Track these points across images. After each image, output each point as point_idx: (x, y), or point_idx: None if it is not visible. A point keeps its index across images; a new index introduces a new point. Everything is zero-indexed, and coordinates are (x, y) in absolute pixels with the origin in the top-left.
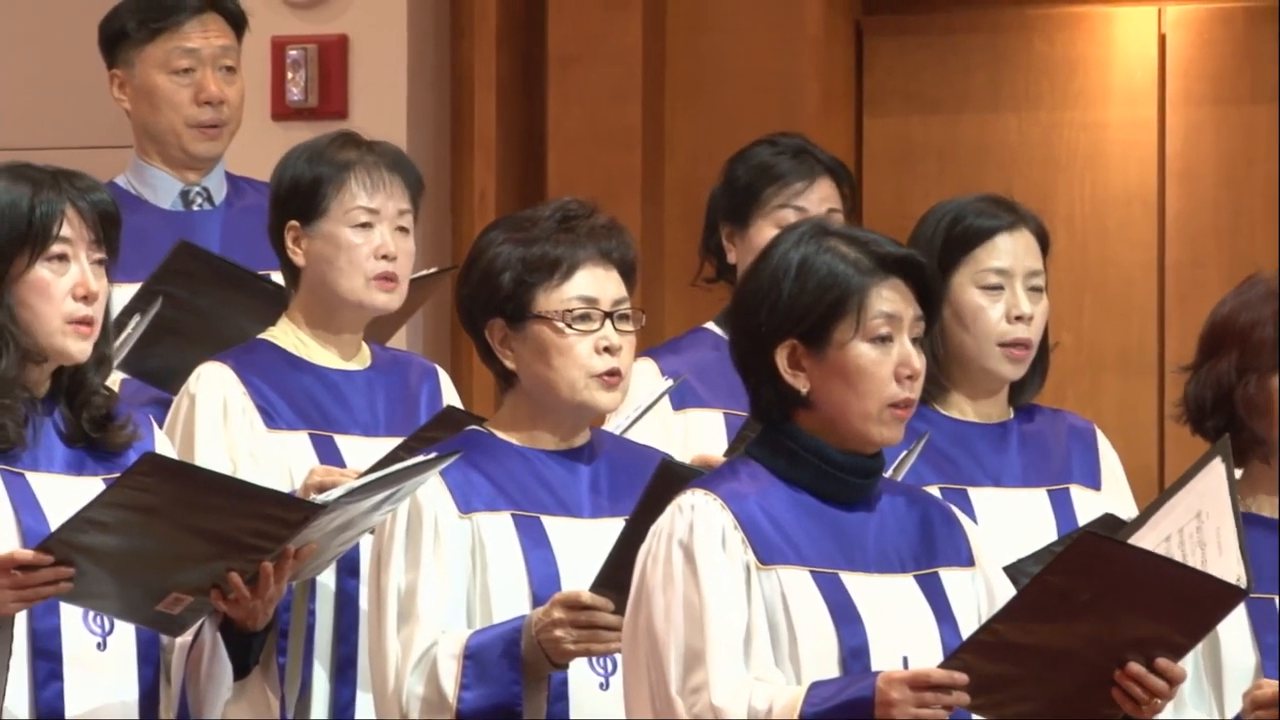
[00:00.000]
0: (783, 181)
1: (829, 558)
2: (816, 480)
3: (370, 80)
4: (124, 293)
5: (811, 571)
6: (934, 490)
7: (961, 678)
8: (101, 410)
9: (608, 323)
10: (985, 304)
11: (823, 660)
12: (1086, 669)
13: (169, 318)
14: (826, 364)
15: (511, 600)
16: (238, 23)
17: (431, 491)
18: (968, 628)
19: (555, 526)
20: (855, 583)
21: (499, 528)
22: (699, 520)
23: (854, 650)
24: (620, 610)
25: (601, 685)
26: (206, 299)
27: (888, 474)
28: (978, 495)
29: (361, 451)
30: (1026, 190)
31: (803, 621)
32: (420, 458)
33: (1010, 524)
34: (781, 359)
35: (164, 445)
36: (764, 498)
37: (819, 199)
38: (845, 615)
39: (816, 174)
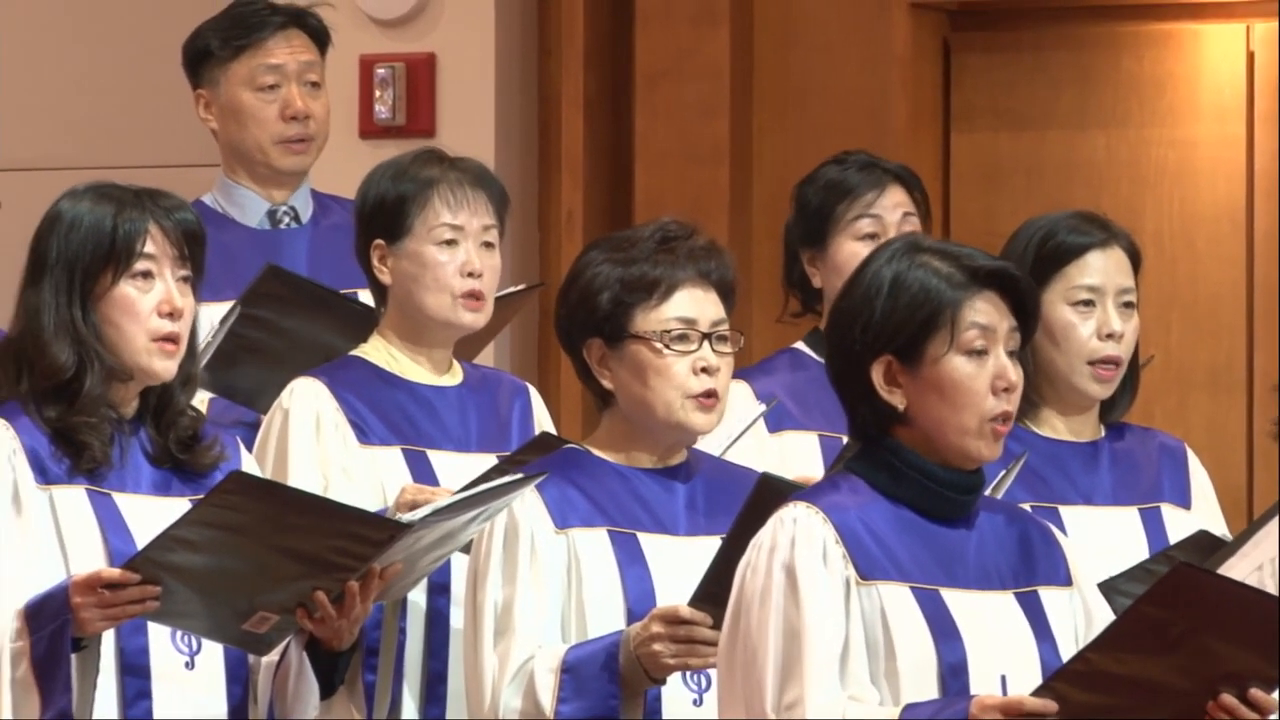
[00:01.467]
0: (853, 194)
1: (929, 574)
2: (918, 496)
3: (458, 98)
4: (211, 311)
5: (912, 587)
6: (1025, 509)
7: (1054, 706)
8: (188, 431)
9: (705, 344)
10: (1076, 321)
11: (921, 677)
12: (1179, 700)
13: (256, 338)
14: (922, 379)
15: (607, 616)
16: (321, 38)
17: (528, 508)
18: (1065, 647)
19: (651, 544)
20: (955, 599)
21: (595, 544)
22: (800, 534)
23: (953, 667)
24: (719, 625)
25: (695, 701)
26: (295, 320)
27: (986, 493)
28: (1069, 514)
29: (454, 467)
30: (1114, 207)
31: (902, 637)
32: (507, 478)
33: (1101, 542)
34: (877, 376)
35: (250, 466)
36: (865, 512)
37: (892, 205)
38: (945, 632)
39: (885, 182)
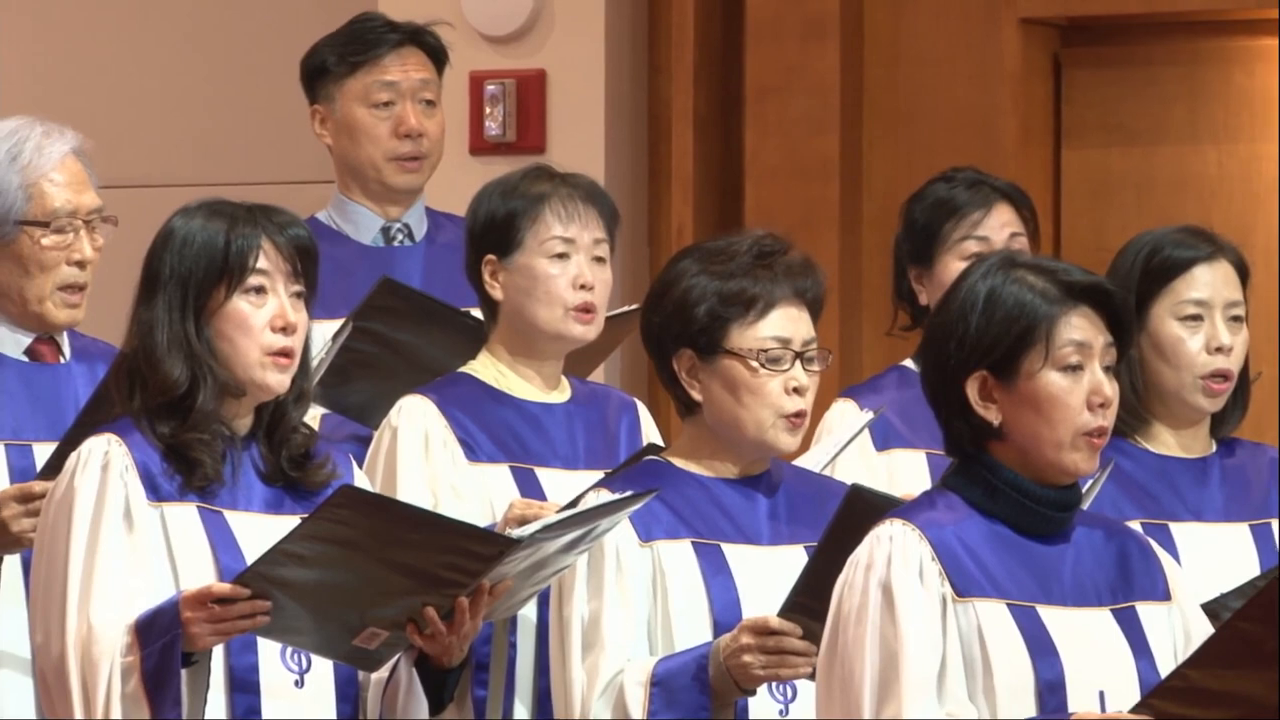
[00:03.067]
0: (960, 213)
1: (1026, 591)
2: (1014, 513)
3: (568, 115)
4: (324, 328)
5: (1008, 604)
6: (1135, 525)
7: None
8: (301, 448)
9: (797, 363)
10: (1184, 335)
11: (1018, 694)
12: (1276, 716)
13: (369, 353)
14: (1017, 394)
15: (693, 627)
16: (438, 56)
17: None
18: (1164, 663)
19: (735, 554)
20: (1052, 616)
21: (680, 556)
22: (897, 551)
23: (1050, 684)
24: (808, 636)
25: (781, 711)
26: (407, 334)
27: None
28: (1179, 530)
29: (562, 484)
30: (1226, 222)
31: (999, 655)
32: (615, 495)
33: (1212, 559)
34: (972, 391)
35: (362, 483)
36: (961, 529)
37: (999, 224)
38: (1041, 649)
39: (993, 201)
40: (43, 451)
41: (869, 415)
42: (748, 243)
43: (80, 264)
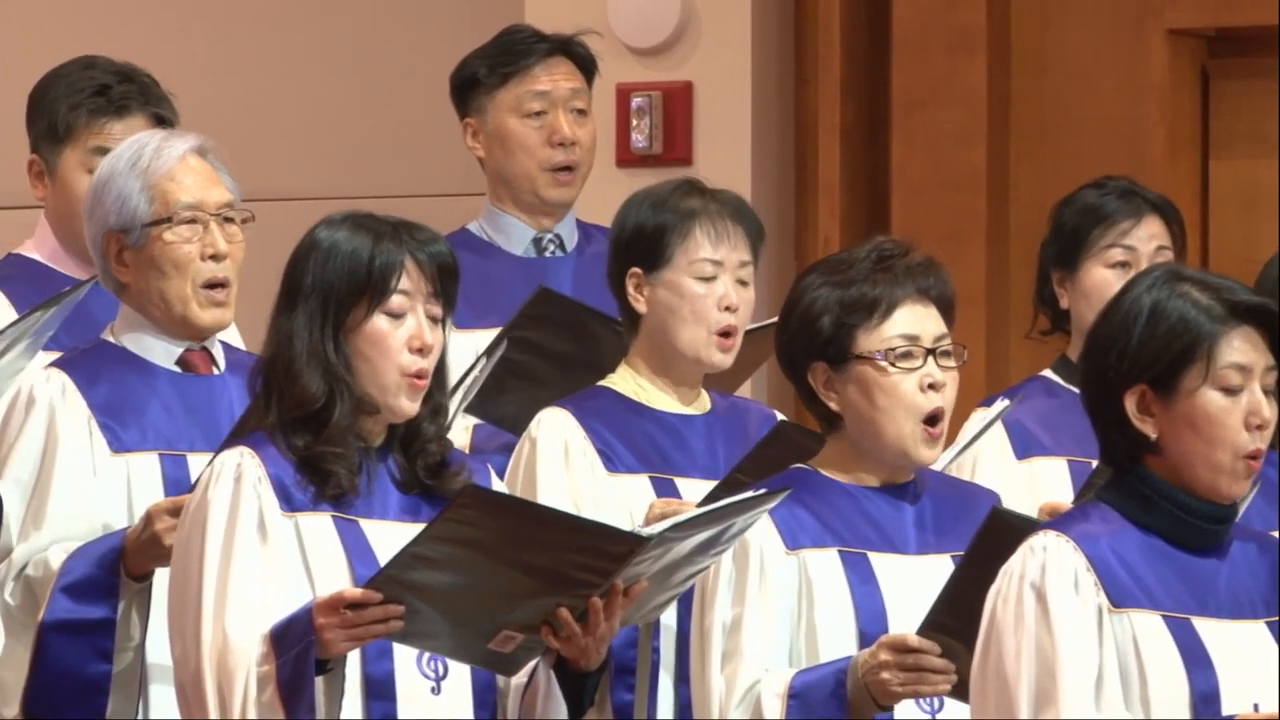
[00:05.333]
0: (1109, 221)
1: (1181, 602)
2: (1170, 525)
3: (714, 127)
4: (475, 339)
5: (1163, 616)
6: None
7: None
8: (436, 456)
9: (930, 360)
10: None
11: (1173, 705)
12: None
13: (523, 362)
14: (1175, 411)
15: (838, 637)
16: (587, 66)
17: (758, 528)
18: None
19: (881, 563)
20: (1207, 628)
21: (826, 564)
22: (1051, 562)
23: (1205, 696)
24: (946, 654)
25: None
26: (561, 344)
27: None
28: None
29: (702, 494)
30: None
31: (1154, 666)
32: (749, 494)
33: None
34: (1131, 404)
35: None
36: (1116, 540)
37: (1147, 236)
38: (1197, 660)
39: (1143, 212)
40: (197, 462)
41: (1002, 404)
42: (866, 249)
43: (215, 258)
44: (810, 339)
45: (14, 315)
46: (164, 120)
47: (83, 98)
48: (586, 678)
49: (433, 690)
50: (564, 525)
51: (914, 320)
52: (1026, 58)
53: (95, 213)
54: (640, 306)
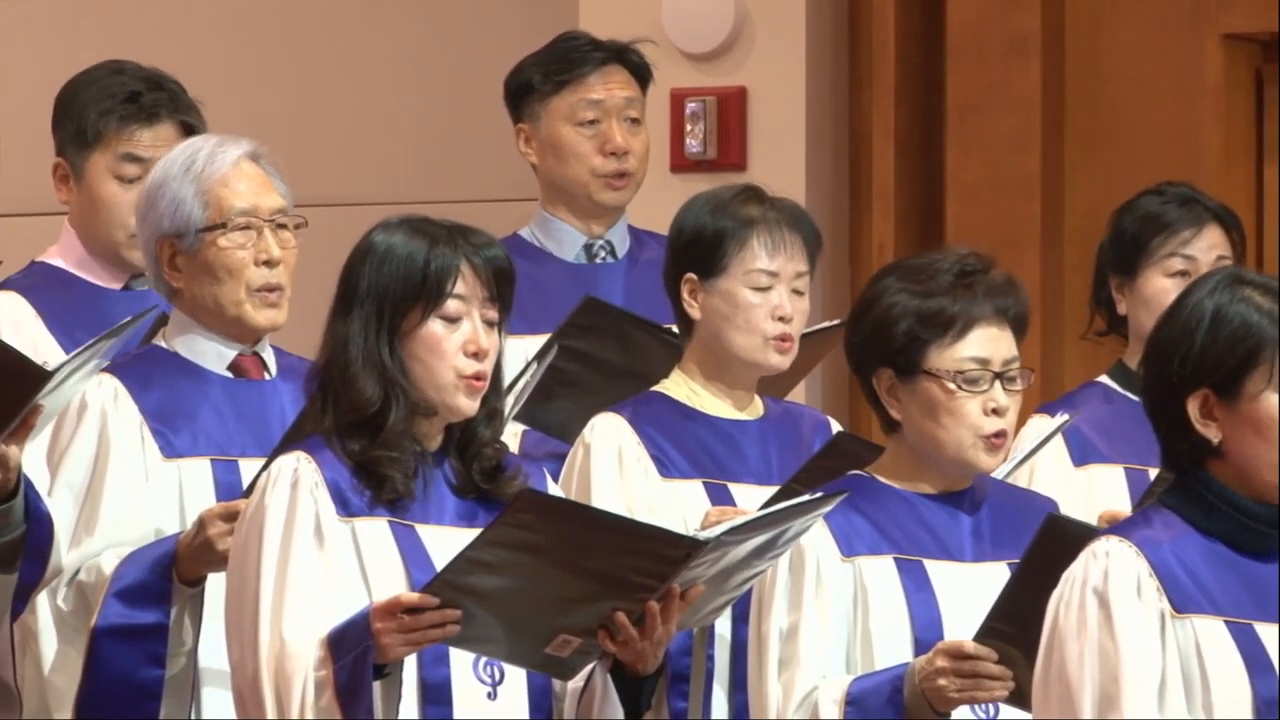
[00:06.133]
0: (1170, 230)
1: (1243, 608)
2: (1232, 530)
3: (769, 132)
4: (525, 345)
5: (1226, 621)
6: None
7: None
8: (492, 461)
9: (997, 384)
10: None
11: (1236, 710)
12: None
13: (570, 371)
14: (1238, 415)
15: (893, 643)
16: (642, 74)
17: (814, 534)
18: None
19: (937, 570)
20: (1269, 634)
21: (882, 571)
22: (1113, 567)
23: (1268, 702)
24: (1003, 661)
25: None
26: (610, 352)
27: None
28: None
29: (756, 500)
30: None
31: (1216, 672)
32: (806, 497)
33: None
34: (1193, 409)
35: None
36: (1178, 546)
37: (1207, 245)
38: (1260, 666)
39: (1204, 221)
40: (248, 468)
41: (1062, 418)
42: (949, 261)
43: (269, 263)
44: (882, 345)
45: (41, 325)
46: (192, 128)
47: (114, 104)
48: (643, 681)
49: (489, 695)
50: (620, 529)
51: (987, 342)
52: (1081, 62)
53: (148, 217)
54: (694, 313)
